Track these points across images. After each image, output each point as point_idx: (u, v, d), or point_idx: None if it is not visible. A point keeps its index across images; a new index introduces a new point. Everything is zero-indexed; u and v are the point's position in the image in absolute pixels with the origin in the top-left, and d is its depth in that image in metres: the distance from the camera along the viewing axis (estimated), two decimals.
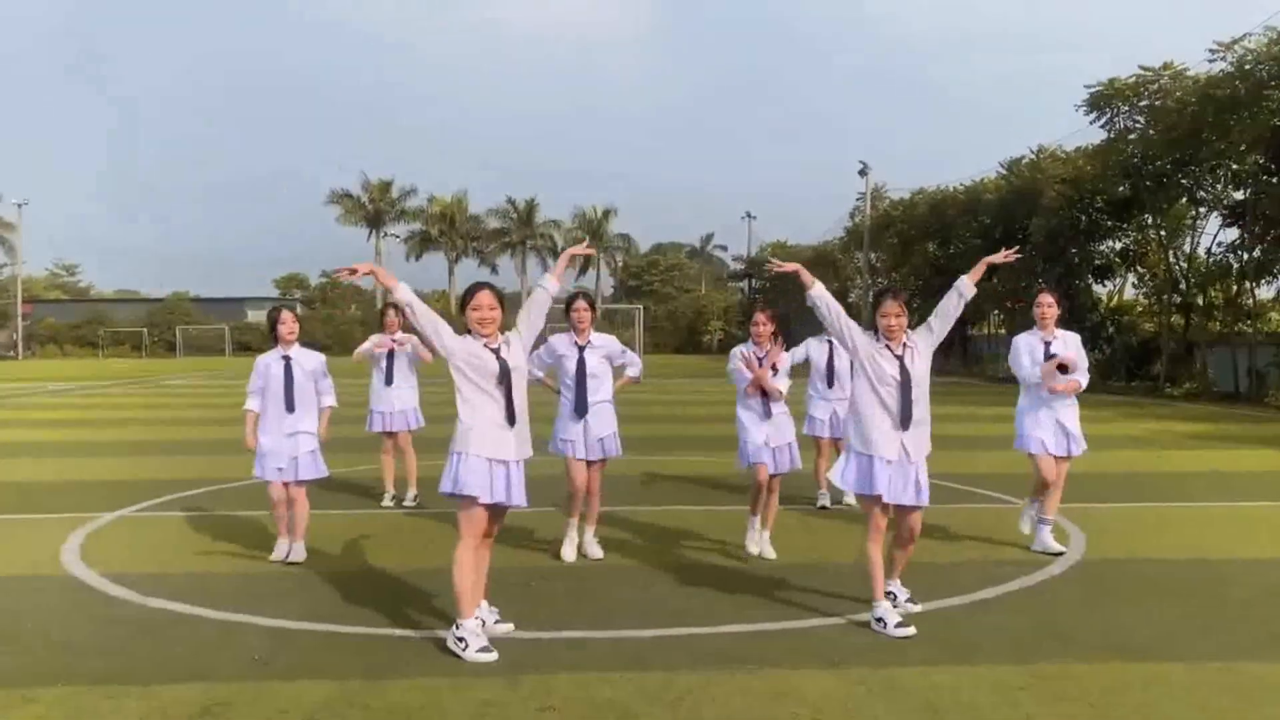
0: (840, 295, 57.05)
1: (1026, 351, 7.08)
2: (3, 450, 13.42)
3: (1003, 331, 41.90)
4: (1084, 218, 31.25)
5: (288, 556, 6.66)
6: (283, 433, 6.64)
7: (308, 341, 7.01)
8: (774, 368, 6.70)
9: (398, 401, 8.95)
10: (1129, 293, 35.08)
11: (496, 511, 5.01)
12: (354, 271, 5.08)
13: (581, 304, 6.80)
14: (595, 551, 6.86)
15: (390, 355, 8.95)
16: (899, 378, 5.26)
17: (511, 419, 4.94)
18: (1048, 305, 7.02)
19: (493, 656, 4.71)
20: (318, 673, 4.57)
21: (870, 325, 5.46)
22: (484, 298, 5.00)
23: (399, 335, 8.83)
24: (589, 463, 6.73)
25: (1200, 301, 28.57)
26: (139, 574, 6.35)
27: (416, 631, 5.19)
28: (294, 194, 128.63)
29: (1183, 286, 29.09)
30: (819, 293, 5.45)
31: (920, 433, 5.31)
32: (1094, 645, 4.97)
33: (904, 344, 5.35)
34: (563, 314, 7.01)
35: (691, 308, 73.60)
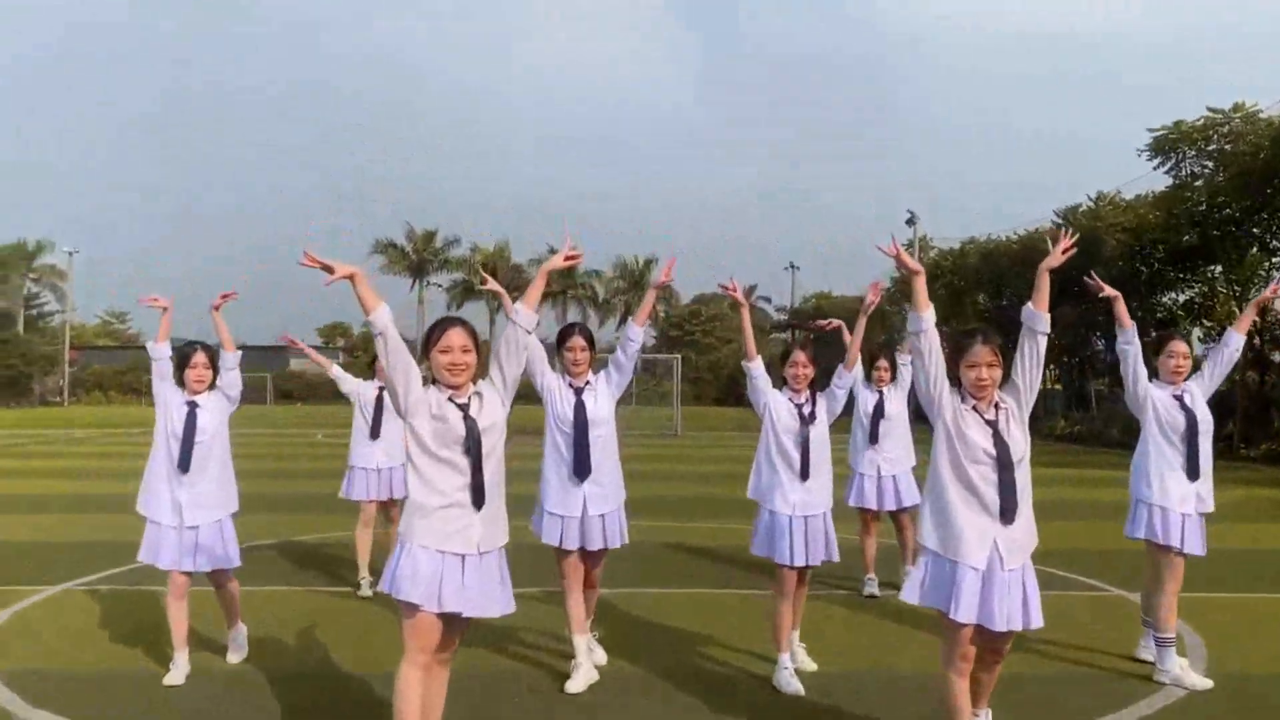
0: (887, 347, 55.66)
1: (1162, 408, 5.51)
2: None
3: (1059, 386, 40.24)
4: (1146, 269, 29.79)
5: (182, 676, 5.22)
6: (174, 498, 5.30)
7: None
8: (812, 414, 5.45)
9: (385, 458, 7.49)
10: (1195, 348, 33.41)
11: (454, 621, 3.80)
12: (330, 271, 3.68)
13: (578, 340, 5.35)
14: (596, 656, 5.45)
15: (379, 400, 7.51)
16: (994, 453, 3.90)
17: (479, 498, 3.74)
18: (1182, 356, 5.59)
19: None
20: None
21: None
22: (455, 337, 3.79)
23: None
24: (586, 552, 5.29)
25: (1277, 357, 26.85)
26: (43, 671, 5.27)
27: None
28: (341, 242, 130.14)
29: (1257, 341, 27.38)
30: (932, 319, 4.08)
31: (1021, 529, 3.95)
32: None
33: (996, 405, 4.02)
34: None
35: (733, 359, 72.35)
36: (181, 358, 5.46)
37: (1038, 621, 3.94)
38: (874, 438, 7.64)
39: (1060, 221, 35.28)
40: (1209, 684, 5.18)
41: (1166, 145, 25.51)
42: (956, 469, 3.96)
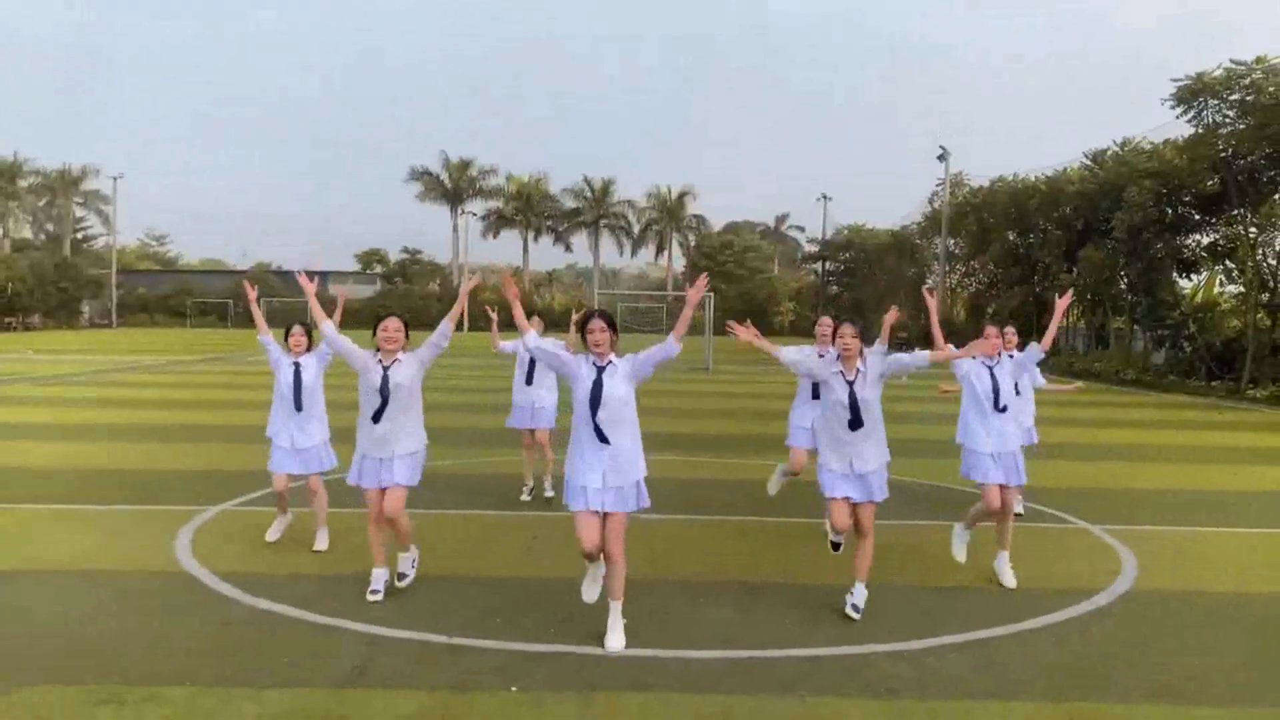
0: (918, 281, 56.80)
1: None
2: (112, 433, 14.30)
3: (1081, 324, 41.25)
4: (1170, 211, 30.65)
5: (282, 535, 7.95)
6: (290, 429, 7.68)
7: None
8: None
9: (537, 400, 9.78)
10: (1219, 288, 34.17)
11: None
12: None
13: (598, 322, 5.74)
14: (616, 642, 5.71)
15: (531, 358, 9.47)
16: (846, 403, 6.27)
17: (378, 419, 6.35)
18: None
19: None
20: (410, 682, 5.07)
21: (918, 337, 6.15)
22: (391, 322, 6.46)
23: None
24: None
25: None
26: (245, 573, 6.94)
27: (500, 642, 5.66)
28: (378, 169, 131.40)
29: (1273, 284, 28.35)
30: (790, 356, 6.64)
31: (867, 445, 6.31)
32: (1135, 686, 5.23)
33: (858, 370, 6.30)
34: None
35: (764, 289, 73.34)
36: (285, 330, 7.87)
37: (881, 496, 6.35)
38: (998, 407, 8.52)
39: (1089, 163, 36.06)
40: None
41: (1190, 95, 26.27)
42: (827, 410, 6.42)
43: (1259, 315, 28.54)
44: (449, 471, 11.27)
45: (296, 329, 7.80)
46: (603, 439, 5.63)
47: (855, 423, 6.27)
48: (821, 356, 6.96)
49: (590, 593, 5.95)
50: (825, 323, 7.77)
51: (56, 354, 34.23)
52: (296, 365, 7.69)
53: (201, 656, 5.41)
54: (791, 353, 6.73)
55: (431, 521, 8.70)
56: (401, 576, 6.63)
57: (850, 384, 6.29)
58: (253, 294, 8.03)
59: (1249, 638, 6.06)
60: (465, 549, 7.89)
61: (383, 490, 6.44)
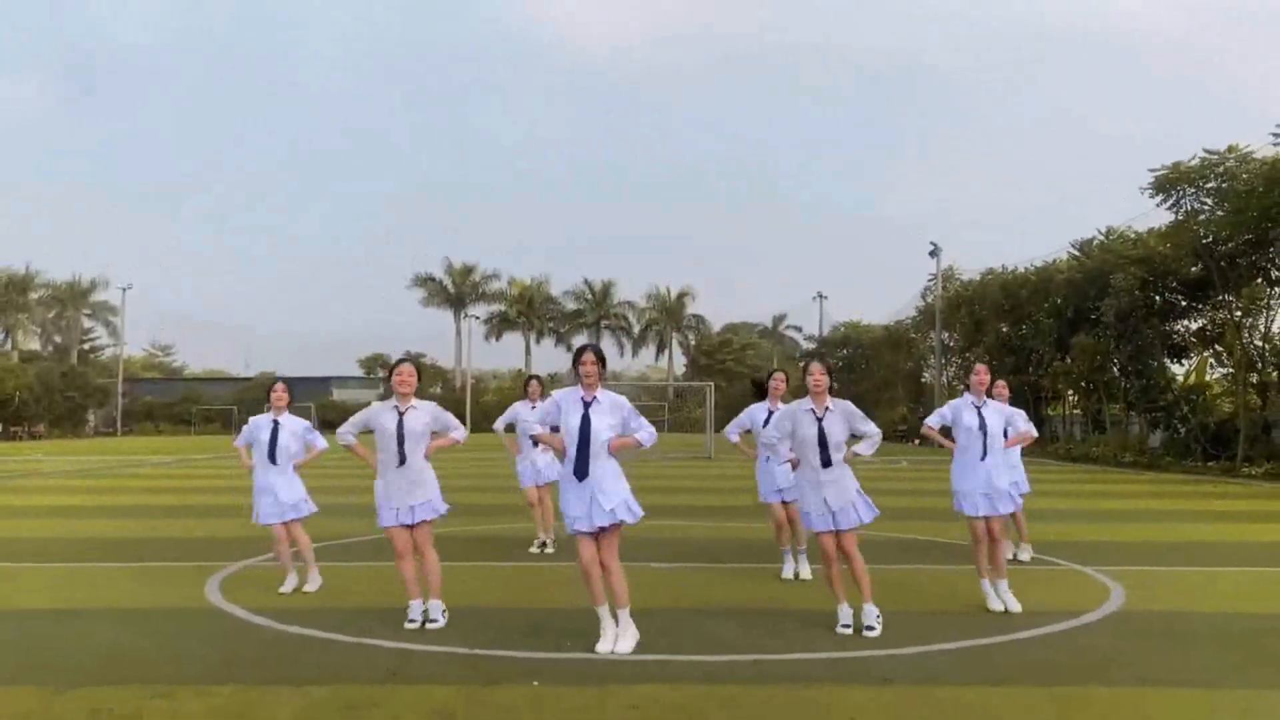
0: (914, 375, 57.69)
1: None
2: (134, 512, 14.77)
3: (1078, 411, 41.77)
4: (1158, 298, 31.46)
5: (299, 587, 8.04)
6: (269, 481, 8.06)
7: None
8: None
9: (541, 460, 10.46)
10: (1209, 372, 34.79)
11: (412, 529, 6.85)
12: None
13: (589, 355, 6.26)
14: (626, 644, 6.09)
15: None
16: (816, 437, 6.62)
17: (402, 463, 6.73)
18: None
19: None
20: (440, 680, 5.44)
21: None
22: (405, 369, 6.87)
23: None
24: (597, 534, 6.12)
25: (1278, 378, 28.39)
26: (274, 608, 7.31)
27: (521, 652, 6.02)
28: (380, 275, 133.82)
29: (1260, 365, 28.96)
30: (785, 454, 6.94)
31: (839, 481, 6.63)
32: (1118, 675, 5.59)
33: (827, 407, 6.68)
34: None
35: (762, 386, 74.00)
36: (266, 388, 8.38)
37: (862, 519, 6.65)
38: (983, 455, 7.70)
39: (1077, 253, 37.09)
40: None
41: (1167, 184, 27.29)
42: (801, 451, 6.75)
43: (1249, 396, 29.07)
44: (479, 535, 11.65)
45: (279, 385, 8.34)
46: (583, 473, 6.06)
47: (826, 460, 6.60)
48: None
49: (606, 642, 6.07)
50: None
51: (67, 455, 34.61)
52: (276, 423, 8.16)
53: (244, 663, 5.79)
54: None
55: (455, 571, 9.10)
56: (433, 620, 6.76)
57: (819, 420, 6.64)
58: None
59: (1224, 643, 6.42)
60: (488, 589, 8.27)
61: (407, 527, 6.83)
